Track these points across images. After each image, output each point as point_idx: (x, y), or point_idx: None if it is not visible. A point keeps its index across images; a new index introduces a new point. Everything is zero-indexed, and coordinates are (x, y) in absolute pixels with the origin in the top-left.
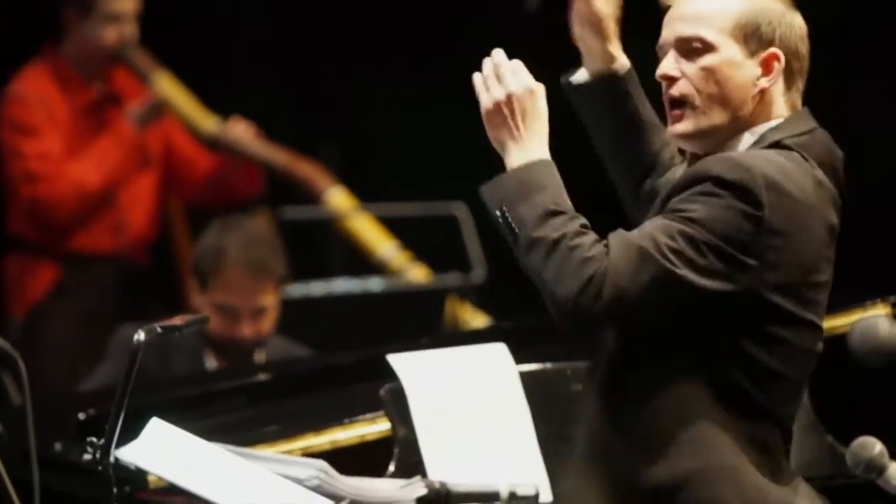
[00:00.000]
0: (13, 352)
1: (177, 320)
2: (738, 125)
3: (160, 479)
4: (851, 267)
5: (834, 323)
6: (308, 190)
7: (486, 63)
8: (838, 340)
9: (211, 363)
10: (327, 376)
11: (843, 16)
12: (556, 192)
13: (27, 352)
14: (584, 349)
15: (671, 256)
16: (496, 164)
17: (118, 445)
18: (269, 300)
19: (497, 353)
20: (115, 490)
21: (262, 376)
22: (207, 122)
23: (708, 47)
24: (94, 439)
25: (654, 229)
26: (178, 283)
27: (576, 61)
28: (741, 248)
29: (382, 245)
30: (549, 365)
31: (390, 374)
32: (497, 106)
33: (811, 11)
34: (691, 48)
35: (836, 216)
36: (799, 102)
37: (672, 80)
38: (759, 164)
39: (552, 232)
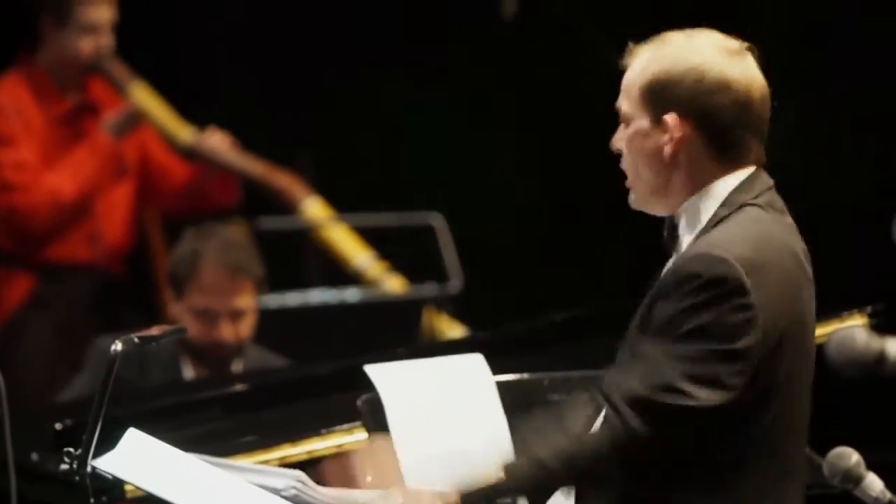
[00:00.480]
0: None
1: (154, 330)
2: (676, 187)
3: (137, 489)
4: (828, 278)
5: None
6: (284, 200)
7: None
8: (815, 351)
9: (189, 372)
10: (304, 387)
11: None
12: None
13: (3, 362)
14: (561, 360)
15: (687, 388)
16: (473, 175)
17: (95, 455)
18: (248, 302)
19: (474, 364)
20: (92, 500)
21: (239, 386)
22: (183, 132)
23: (626, 120)
24: (72, 449)
25: (655, 365)
26: (155, 293)
27: (553, 66)
28: (744, 341)
29: (359, 255)
30: (525, 375)
31: (367, 385)
32: None
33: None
34: (623, 119)
35: (805, 267)
36: (749, 163)
37: (619, 151)
38: (734, 248)
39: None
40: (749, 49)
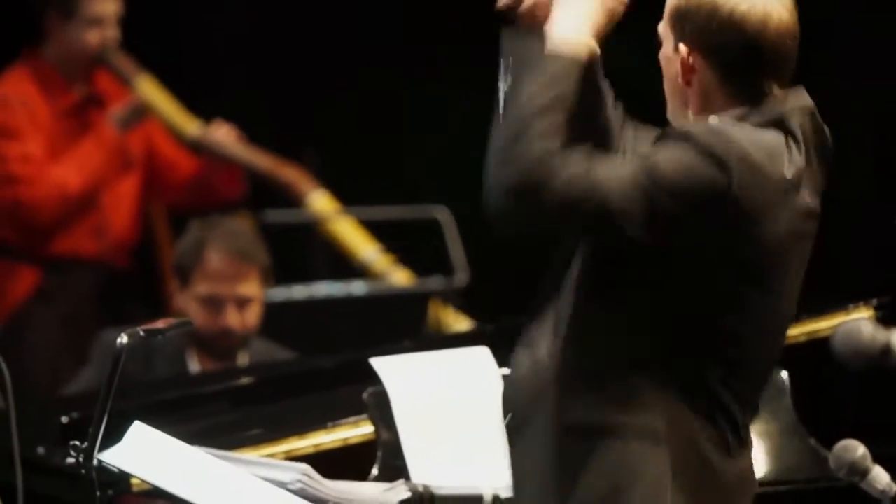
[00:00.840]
0: None
1: (160, 324)
2: (692, 111)
3: (143, 482)
4: (834, 270)
5: (817, 326)
6: (290, 193)
7: None
8: (821, 344)
9: (194, 365)
10: (310, 380)
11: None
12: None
13: (9, 356)
14: None
15: (623, 199)
16: (479, 168)
17: (101, 449)
18: (254, 290)
19: (480, 357)
20: (97, 493)
21: (245, 379)
22: (190, 125)
23: (659, 41)
24: (78, 443)
25: (623, 172)
26: (160, 286)
27: None
28: (695, 211)
29: (365, 248)
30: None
31: (373, 378)
32: None
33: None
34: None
35: (818, 199)
36: (757, 94)
37: None
38: (741, 139)
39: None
40: None
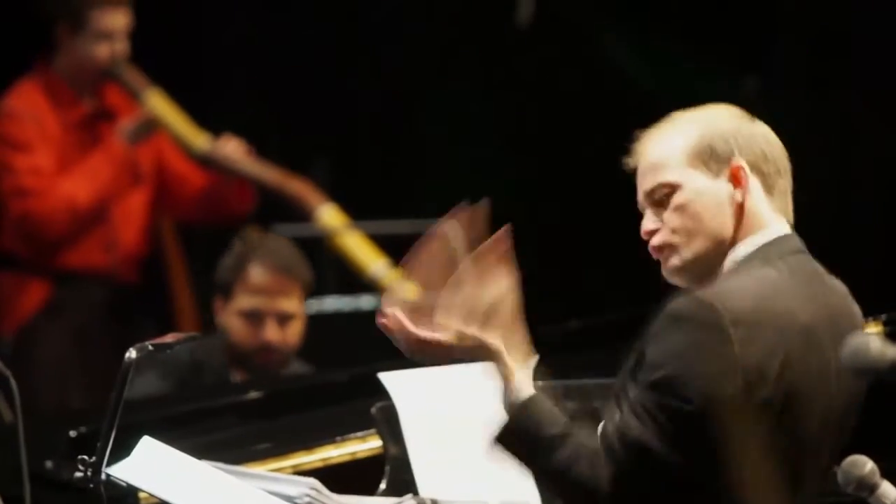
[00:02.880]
0: (4, 370)
1: (168, 338)
2: (724, 246)
3: (151, 496)
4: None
5: None
6: (299, 207)
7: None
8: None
9: None
10: (319, 394)
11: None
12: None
13: (18, 369)
14: (576, 367)
15: (655, 441)
16: (489, 181)
17: (110, 463)
18: (295, 306)
19: (488, 371)
20: None
21: (254, 394)
22: (199, 139)
23: (673, 188)
24: (86, 457)
25: (629, 418)
26: (170, 300)
27: (568, 71)
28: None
29: (374, 263)
30: (539, 383)
31: (382, 392)
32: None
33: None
34: (660, 197)
35: (833, 332)
36: (787, 205)
37: (652, 234)
38: (729, 297)
39: (557, 466)
40: None
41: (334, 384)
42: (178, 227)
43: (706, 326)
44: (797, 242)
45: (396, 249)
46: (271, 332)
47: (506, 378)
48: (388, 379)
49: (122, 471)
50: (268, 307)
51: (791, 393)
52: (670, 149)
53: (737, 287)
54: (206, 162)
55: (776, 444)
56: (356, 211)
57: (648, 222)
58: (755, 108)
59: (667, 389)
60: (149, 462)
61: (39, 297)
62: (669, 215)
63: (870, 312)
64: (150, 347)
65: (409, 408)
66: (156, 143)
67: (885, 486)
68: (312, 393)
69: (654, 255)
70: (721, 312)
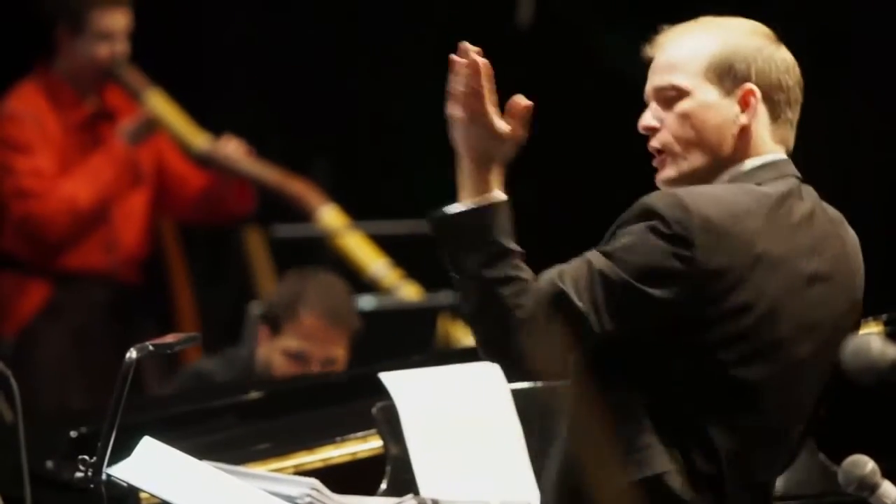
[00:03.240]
0: (5, 370)
1: (169, 338)
2: (721, 164)
3: (152, 496)
4: None
5: None
6: (300, 208)
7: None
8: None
9: None
10: (319, 394)
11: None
12: (500, 232)
13: (19, 370)
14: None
15: (583, 297)
16: None
17: (110, 463)
18: (340, 352)
19: (489, 372)
20: None
21: (255, 394)
22: (199, 139)
23: (682, 93)
24: (87, 457)
25: (575, 268)
26: (170, 301)
27: (568, 72)
28: (660, 284)
29: (374, 263)
30: (540, 383)
31: (382, 392)
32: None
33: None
34: (668, 97)
35: (818, 262)
36: (790, 134)
37: (653, 131)
38: (702, 203)
39: (489, 275)
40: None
41: (335, 384)
42: (178, 228)
43: (673, 226)
44: (791, 168)
45: (396, 249)
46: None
47: (486, 182)
48: (389, 379)
49: (123, 471)
50: (315, 352)
51: (766, 304)
52: (690, 54)
53: (716, 194)
54: (206, 162)
55: (762, 366)
56: (356, 211)
57: (649, 117)
58: None
59: (618, 262)
60: (149, 462)
61: (40, 297)
62: (672, 119)
63: (871, 312)
64: (151, 348)
65: (409, 408)
66: (156, 143)
67: (886, 486)
68: (313, 393)
69: (652, 152)
70: (692, 214)
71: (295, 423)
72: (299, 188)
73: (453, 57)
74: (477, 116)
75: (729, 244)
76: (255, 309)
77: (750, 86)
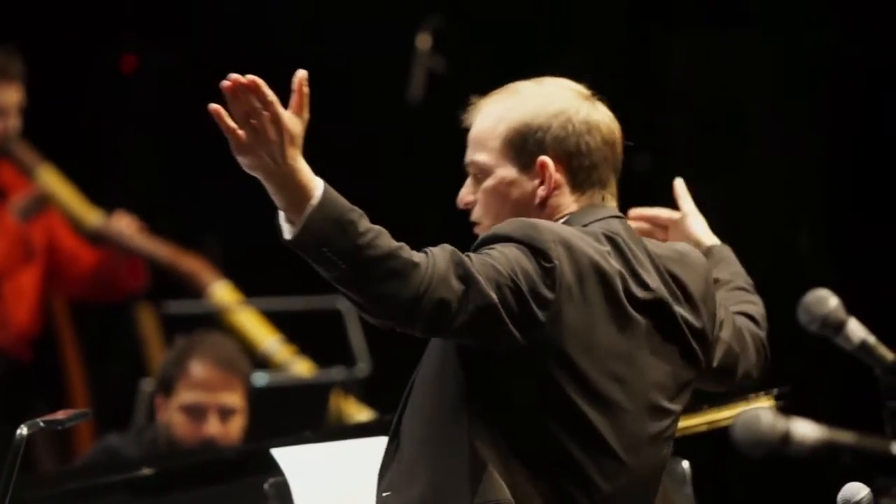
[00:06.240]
0: None
1: (59, 414)
2: None
3: None
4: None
5: (718, 416)
6: (192, 284)
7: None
8: (722, 433)
9: None
10: (211, 470)
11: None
12: (359, 213)
13: None
14: None
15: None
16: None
17: None
18: (237, 401)
19: (381, 448)
20: None
21: (146, 470)
22: (91, 216)
23: (485, 171)
24: None
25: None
26: (61, 378)
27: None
28: (537, 301)
29: (267, 339)
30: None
31: (275, 468)
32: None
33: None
34: (475, 173)
35: (657, 295)
36: (602, 193)
37: (469, 205)
38: (547, 225)
39: (379, 251)
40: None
41: (227, 460)
42: (70, 304)
43: (529, 240)
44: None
45: (288, 326)
46: (213, 427)
47: (306, 176)
48: (282, 455)
49: None
50: (209, 401)
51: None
52: (490, 130)
53: (550, 223)
54: (98, 238)
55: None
56: (248, 288)
57: (465, 192)
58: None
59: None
60: None
61: None
62: (481, 195)
63: (761, 387)
64: (42, 424)
65: (302, 484)
66: (47, 219)
67: (852, 324)
68: (205, 469)
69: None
70: (542, 230)
71: (186, 499)
72: (191, 264)
73: (225, 83)
74: (269, 126)
75: (579, 260)
76: (147, 386)
77: (544, 159)
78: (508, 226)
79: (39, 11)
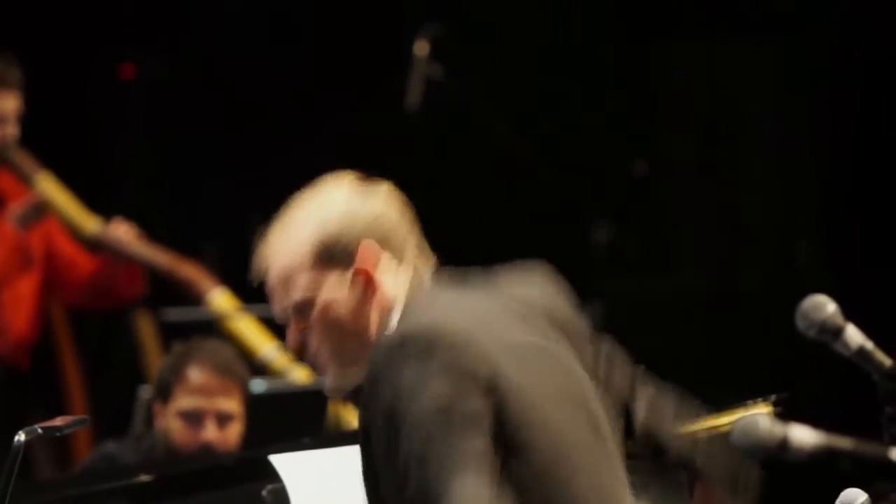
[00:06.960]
0: None
1: (57, 421)
2: (378, 332)
3: None
4: (734, 368)
5: (717, 422)
6: (190, 291)
7: None
8: (723, 438)
9: None
10: (209, 477)
11: None
12: None
13: None
14: None
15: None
16: None
17: None
18: (235, 407)
19: None
20: None
21: (143, 477)
22: (89, 223)
23: (308, 304)
24: None
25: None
26: (60, 385)
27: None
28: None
29: (265, 346)
30: None
31: (273, 475)
32: None
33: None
34: (297, 313)
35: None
36: (419, 259)
37: (303, 348)
38: (437, 322)
39: None
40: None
41: (225, 467)
42: (68, 312)
43: (432, 350)
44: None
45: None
46: (211, 433)
47: None
48: (280, 461)
49: None
50: (207, 407)
51: (523, 404)
52: (293, 262)
53: (433, 316)
54: (96, 246)
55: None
56: (247, 295)
57: (293, 337)
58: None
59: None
60: None
61: None
62: (312, 328)
63: (760, 393)
64: (40, 430)
65: (300, 491)
66: (46, 227)
67: (850, 329)
68: (203, 476)
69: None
70: (442, 331)
71: None
72: (190, 272)
73: None
74: None
75: (485, 349)
76: (145, 393)
77: (357, 267)
78: (395, 343)
79: (37, 18)
